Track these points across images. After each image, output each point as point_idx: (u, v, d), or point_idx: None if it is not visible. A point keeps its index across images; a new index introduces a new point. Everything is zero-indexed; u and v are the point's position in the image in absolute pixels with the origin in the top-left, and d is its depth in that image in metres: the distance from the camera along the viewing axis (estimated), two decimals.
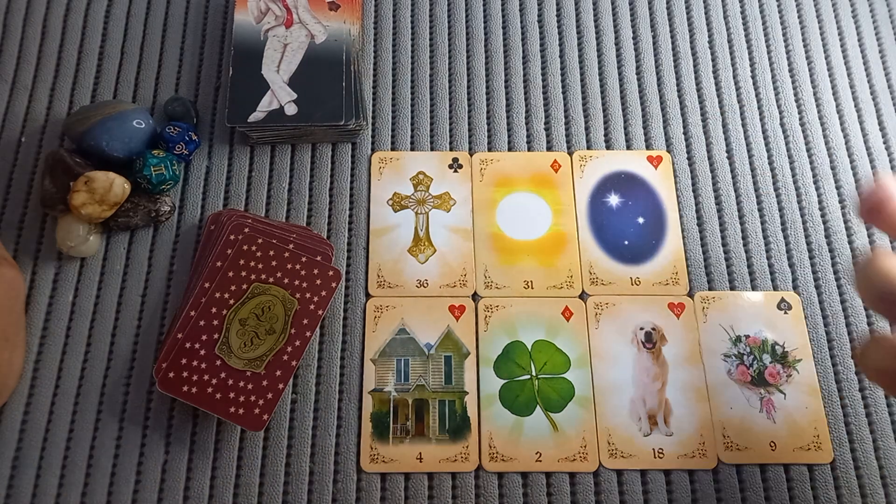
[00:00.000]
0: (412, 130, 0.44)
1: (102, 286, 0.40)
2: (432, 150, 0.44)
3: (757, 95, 0.46)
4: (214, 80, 0.46)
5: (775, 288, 0.41)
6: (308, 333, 0.38)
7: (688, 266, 0.41)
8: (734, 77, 0.46)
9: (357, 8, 0.45)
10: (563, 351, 0.39)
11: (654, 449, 0.37)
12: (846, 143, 0.44)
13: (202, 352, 0.37)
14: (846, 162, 0.44)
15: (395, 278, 0.41)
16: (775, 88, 0.46)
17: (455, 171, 0.43)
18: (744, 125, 0.45)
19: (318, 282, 0.39)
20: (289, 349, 0.37)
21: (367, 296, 0.40)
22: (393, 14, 0.47)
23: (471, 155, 0.44)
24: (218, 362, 0.37)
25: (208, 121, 0.44)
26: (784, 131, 0.45)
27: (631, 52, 0.47)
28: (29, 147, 0.44)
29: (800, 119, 0.45)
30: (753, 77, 0.46)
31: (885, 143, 0.44)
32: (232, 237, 0.39)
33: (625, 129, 0.45)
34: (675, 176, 0.43)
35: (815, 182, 0.43)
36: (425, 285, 0.40)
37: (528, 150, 0.44)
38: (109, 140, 0.40)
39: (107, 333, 0.39)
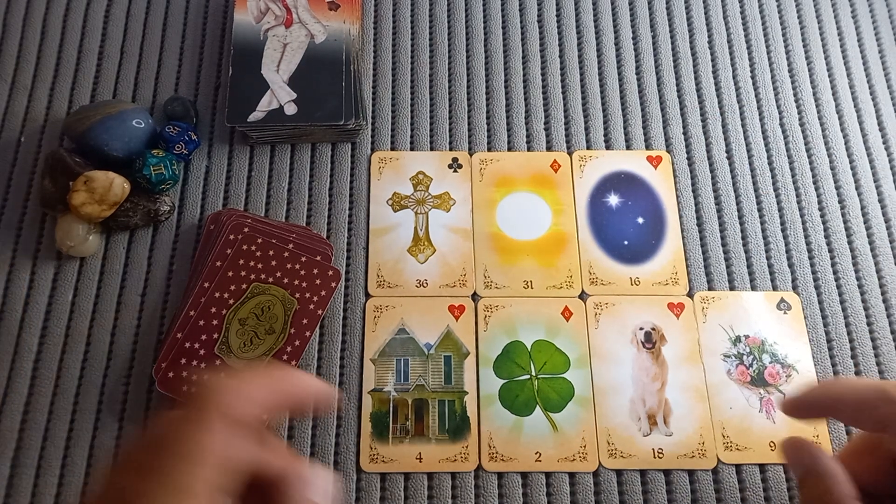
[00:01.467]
0: (412, 130, 0.44)
1: (102, 286, 0.40)
2: (432, 150, 0.44)
3: (756, 95, 0.46)
4: (214, 79, 0.46)
5: (775, 288, 0.41)
6: (307, 333, 0.38)
7: (688, 266, 0.41)
8: (734, 77, 0.46)
9: (357, 8, 0.45)
10: (562, 351, 0.39)
11: (653, 449, 0.37)
12: (846, 143, 0.44)
13: (202, 351, 0.37)
14: (846, 162, 0.44)
15: (394, 278, 0.40)
16: (775, 88, 0.46)
17: (455, 171, 0.43)
18: (743, 125, 0.45)
19: (318, 282, 0.39)
20: (288, 349, 0.37)
21: (367, 296, 0.40)
22: (393, 14, 0.47)
23: (471, 155, 0.44)
24: (217, 362, 0.37)
25: (208, 121, 0.44)
26: (784, 131, 0.45)
27: (631, 52, 0.47)
28: (29, 147, 0.44)
29: (799, 119, 0.45)
30: (753, 77, 0.46)
31: (884, 143, 0.44)
32: (232, 237, 0.39)
33: (625, 129, 0.45)
34: (675, 176, 0.43)
35: (814, 182, 0.43)
36: (425, 285, 0.40)
37: (528, 150, 0.44)
38: (109, 140, 0.40)
39: (106, 333, 0.39)
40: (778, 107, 0.45)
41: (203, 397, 0.24)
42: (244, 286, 0.38)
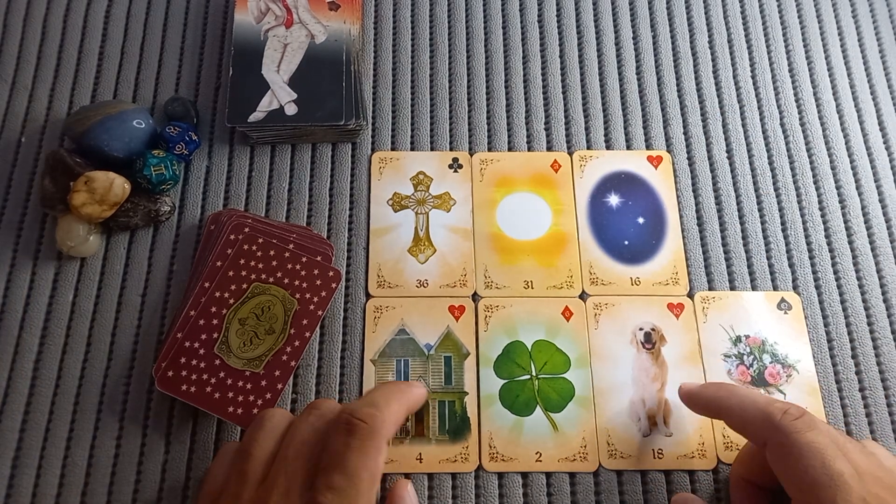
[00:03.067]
0: (412, 130, 0.44)
1: (102, 286, 0.40)
2: (432, 150, 0.44)
3: (757, 95, 0.46)
4: (214, 80, 0.46)
5: (775, 288, 0.41)
6: (307, 334, 0.38)
7: (688, 266, 0.41)
8: (734, 77, 0.46)
9: (357, 8, 0.45)
10: (563, 351, 0.39)
11: (653, 449, 0.37)
12: (846, 143, 0.44)
13: (201, 351, 0.37)
14: (846, 162, 0.44)
15: (395, 278, 0.40)
16: (775, 88, 0.46)
17: (455, 171, 0.43)
18: (744, 125, 0.45)
19: (318, 282, 0.39)
20: (288, 349, 0.37)
21: (367, 296, 0.40)
22: (393, 14, 0.47)
23: (471, 155, 0.44)
24: (217, 361, 0.37)
25: (208, 121, 0.44)
26: (784, 131, 0.45)
27: (631, 52, 0.47)
28: (29, 147, 0.44)
29: (800, 119, 0.45)
30: (753, 77, 0.46)
31: (885, 143, 0.44)
32: (232, 237, 0.39)
33: (625, 129, 0.45)
34: (675, 176, 0.43)
35: (815, 182, 0.43)
36: (425, 285, 0.40)
37: (528, 150, 0.44)
38: (109, 140, 0.40)
39: (107, 333, 0.39)
40: (778, 106, 0.45)
41: (375, 430, 0.30)
42: (244, 286, 0.38)
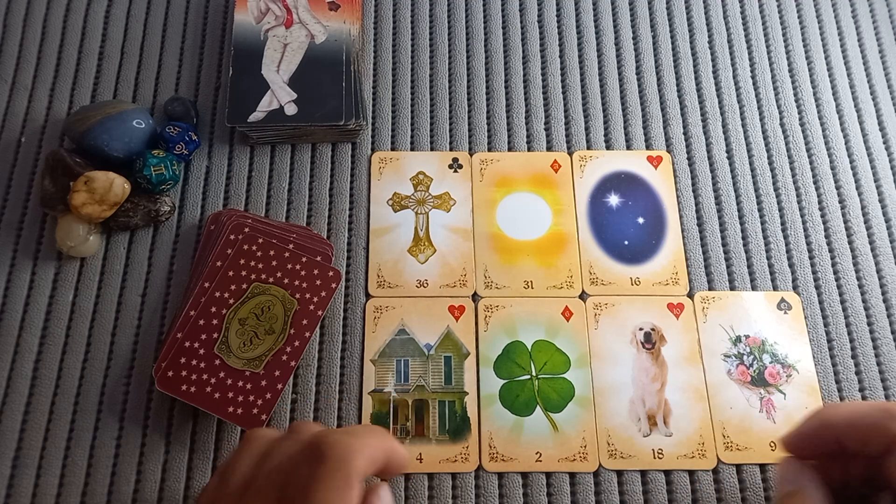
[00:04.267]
0: (412, 130, 0.44)
1: (102, 286, 0.40)
2: (432, 150, 0.44)
3: (757, 95, 0.46)
4: (214, 80, 0.46)
5: (775, 288, 0.41)
6: (307, 334, 0.38)
7: (688, 266, 0.41)
8: (734, 77, 0.46)
9: (357, 8, 0.45)
10: (562, 351, 0.39)
11: (653, 449, 0.37)
12: (846, 143, 0.44)
13: (201, 351, 0.37)
14: (846, 162, 0.44)
15: (395, 278, 0.41)
16: (775, 88, 0.46)
17: (455, 171, 0.43)
18: (744, 125, 0.45)
19: (318, 282, 0.39)
20: (288, 349, 0.37)
21: (367, 296, 0.40)
22: (393, 14, 0.47)
23: (471, 155, 0.44)
24: (217, 361, 0.37)
25: (208, 121, 0.44)
26: (784, 131, 0.45)
27: (631, 52, 0.47)
28: (29, 147, 0.44)
29: (800, 119, 0.45)
30: (753, 77, 0.46)
31: (885, 143, 0.44)
32: (232, 237, 0.39)
33: (625, 129, 0.45)
34: (675, 176, 0.43)
35: (815, 182, 0.43)
36: (425, 285, 0.40)
37: (528, 150, 0.44)
38: (109, 140, 0.40)
39: (107, 333, 0.39)
40: (778, 107, 0.45)
41: (345, 460, 0.26)
42: (244, 286, 0.38)
